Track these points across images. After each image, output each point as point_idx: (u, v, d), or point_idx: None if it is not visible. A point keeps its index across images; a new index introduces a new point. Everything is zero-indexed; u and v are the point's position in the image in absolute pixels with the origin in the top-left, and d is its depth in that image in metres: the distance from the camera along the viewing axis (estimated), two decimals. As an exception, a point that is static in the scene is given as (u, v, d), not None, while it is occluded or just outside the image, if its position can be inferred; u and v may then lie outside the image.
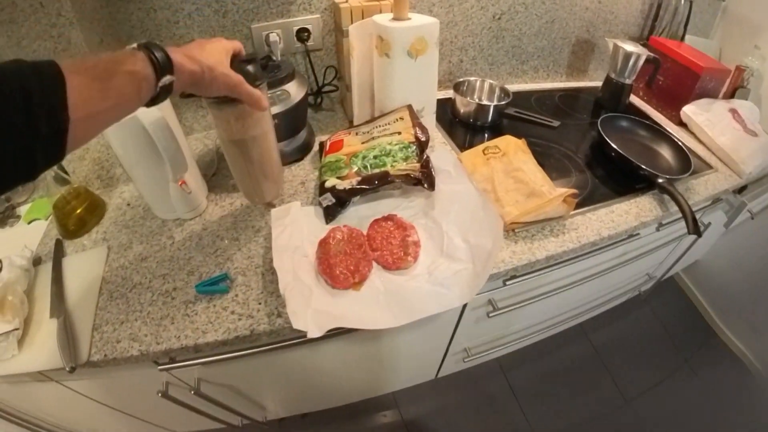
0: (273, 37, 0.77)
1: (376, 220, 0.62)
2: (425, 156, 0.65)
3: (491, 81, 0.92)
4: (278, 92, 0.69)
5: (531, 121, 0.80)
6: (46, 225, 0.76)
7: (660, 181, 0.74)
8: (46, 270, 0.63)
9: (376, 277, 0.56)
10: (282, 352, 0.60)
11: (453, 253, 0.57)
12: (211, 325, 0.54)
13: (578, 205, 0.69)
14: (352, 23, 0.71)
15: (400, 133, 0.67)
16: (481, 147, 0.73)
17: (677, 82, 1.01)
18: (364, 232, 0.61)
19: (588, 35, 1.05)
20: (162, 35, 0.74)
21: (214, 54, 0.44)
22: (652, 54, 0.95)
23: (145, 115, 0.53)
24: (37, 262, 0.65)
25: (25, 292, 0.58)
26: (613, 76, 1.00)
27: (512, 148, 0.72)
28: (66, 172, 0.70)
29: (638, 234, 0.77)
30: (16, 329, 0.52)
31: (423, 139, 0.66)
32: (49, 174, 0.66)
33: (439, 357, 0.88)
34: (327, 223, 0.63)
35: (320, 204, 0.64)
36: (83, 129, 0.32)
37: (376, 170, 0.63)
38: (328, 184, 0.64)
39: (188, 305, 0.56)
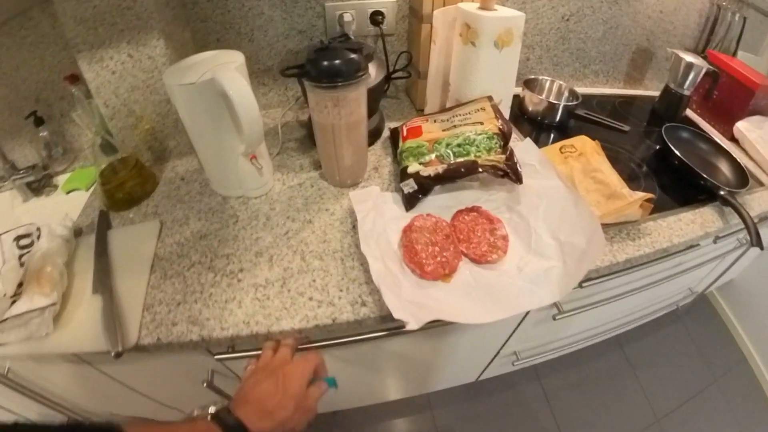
0: (347, 17, 0.75)
1: (460, 211, 0.60)
2: (509, 148, 0.63)
3: (561, 82, 0.91)
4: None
5: (600, 124, 0.79)
6: (87, 196, 0.72)
7: (722, 193, 0.73)
8: (88, 243, 0.57)
9: (465, 269, 0.53)
10: (354, 345, 0.57)
11: (542, 251, 0.55)
12: (287, 312, 0.50)
13: (650, 211, 0.68)
14: (433, 9, 0.69)
15: (482, 123, 0.65)
16: (557, 145, 0.71)
17: (732, 97, 1.01)
18: (448, 222, 0.58)
19: (647, 44, 1.04)
20: (229, 6, 0.71)
21: (293, 394, 0.41)
22: (711, 67, 0.95)
23: (231, 81, 0.50)
24: (77, 233, 0.61)
25: (65, 264, 0.53)
26: (672, 86, 0.99)
27: (588, 148, 0.71)
28: (113, 141, 0.66)
29: (698, 245, 0.76)
30: (53, 304, 0.46)
31: (507, 130, 0.64)
32: (97, 141, 0.62)
33: (488, 359, 0.86)
34: (407, 210, 0.61)
35: (401, 190, 0.61)
36: None
37: (461, 159, 0.61)
38: (410, 170, 0.61)
39: (258, 288, 0.53)
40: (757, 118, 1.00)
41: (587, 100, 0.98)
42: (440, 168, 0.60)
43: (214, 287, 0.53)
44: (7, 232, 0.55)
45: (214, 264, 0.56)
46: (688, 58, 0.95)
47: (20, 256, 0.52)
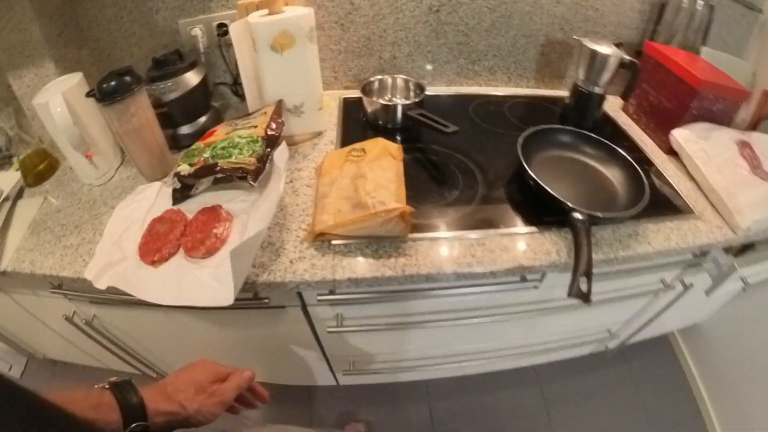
0: (195, 31, 0.84)
1: (204, 208, 0.64)
2: (267, 151, 0.64)
3: (408, 78, 0.84)
4: (169, 84, 0.75)
5: (428, 125, 0.71)
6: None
7: (576, 215, 0.59)
8: (6, 206, 0.79)
9: (176, 259, 0.59)
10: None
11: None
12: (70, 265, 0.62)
13: (433, 229, 0.60)
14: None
15: (256, 126, 0.67)
16: (348, 148, 0.69)
17: (672, 99, 0.79)
18: (189, 217, 0.63)
19: (562, 34, 0.88)
20: (112, 29, 0.86)
21: (195, 380, 0.42)
22: (628, 57, 0.76)
23: (55, 110, 0.66)
24: (6, 199, 0.83)
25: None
26: (579, 83, 0.82)
27: (378, 151, 0.66)
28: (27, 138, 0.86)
29: (520, 279, 0.63)
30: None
31: (271, 134, 0.65)
32: (17, 136, 0.83)
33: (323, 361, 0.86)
34: (173, 204, 0.68)
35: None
36: None
37: (216, 160, 0.64)
38: (179, 169, 0.67)
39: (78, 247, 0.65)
40: (704, 125, 0.76)
41: (482, 101, 0.88)
42: (193, 169, 0.65)
43: (51, 244, 0.67)
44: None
45: (55, 230, 0.71)
46: (595, 46, 0.77)
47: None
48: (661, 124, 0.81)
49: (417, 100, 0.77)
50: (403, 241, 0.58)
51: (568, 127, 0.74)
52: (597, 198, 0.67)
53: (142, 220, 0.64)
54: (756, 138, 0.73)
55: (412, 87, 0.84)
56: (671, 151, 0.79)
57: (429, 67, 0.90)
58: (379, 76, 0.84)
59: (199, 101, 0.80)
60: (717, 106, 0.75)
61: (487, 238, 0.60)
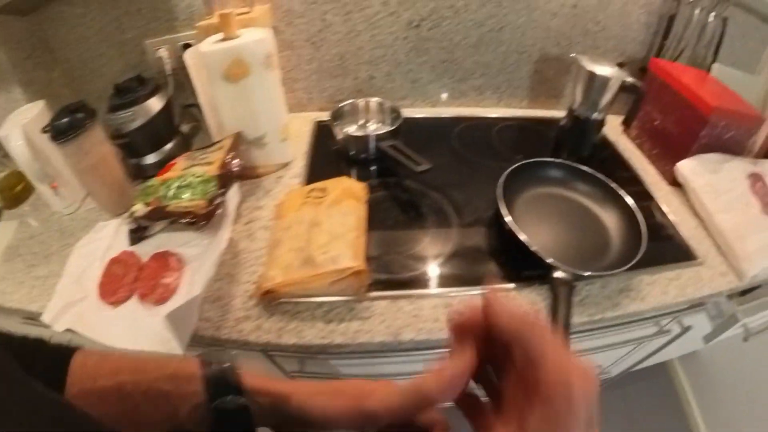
0: (161, 52, 0.79)
1: (157, 254, 0.61)
2: (219, 192, 0.60)
3: (383, 101, 0.77)
4: (129, 113, 0.71)
5: (398, 161, 0.64)
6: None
7: (558, 275, 0.51)
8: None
9: (132, 302, 0.57)
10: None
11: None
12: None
13: (395, 285, 0.54)
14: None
15: (211, 163, 0.63)
16: (309, 187, 0.63)
17: (679, 125, 0.70)
18: (144, 260, 0.60)
19: (559, 50, 0.79)
20: (81, 50, 0.83)
21: None
22: (630, 79, 0.67)
23: (15, 144, 0.65)
24: None
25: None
26: (575, 107, 0.74)
27: (339, 193, 0.60)
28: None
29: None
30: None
31: (225, 172, 0.60)
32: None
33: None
34: (130, 244, 0.64)
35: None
36: None
37: (168, 202, 0.60)
38: (133, 209, 0.64)
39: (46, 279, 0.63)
40: (711, 156, 0.67)
41: (468, 125, 0.80)
42: (146, 210, 0.61)
43: (21, 272, 0.65)
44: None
45: (27, 257, 0.69)
46: (594, 66, 0.69)
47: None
48: (665, 152, 0.72)
49: (391, 128, 0.70)
50: (359, 302, 0.53)
51: (559, 161, 0.66)
52: (587, 247, 0.60)
53: (101, 259, 0.62)
54: (769, 169, 0.64)
55: (387, 111, 0.77)
56: (676, 182, 0.70)
57: (410, 86, 0.83)
58: (351, 101, 0.78)
59: (161, 128, 0.76)
60: (728, 134, 0.66)
61: (456, 298, 0.54)
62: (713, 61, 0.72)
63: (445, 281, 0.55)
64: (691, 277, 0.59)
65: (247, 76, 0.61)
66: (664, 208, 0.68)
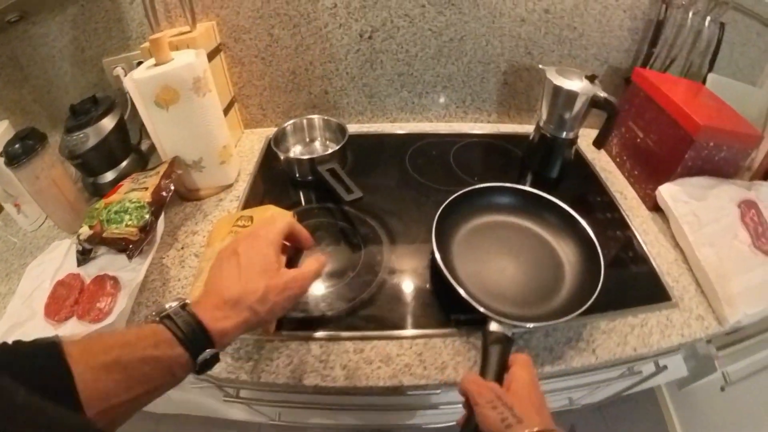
0: (118, 71, 0.79)
1: (96, 277, 0.62)
2: (151, 220, 0.58)
3: (330, 119, 0.73)
4: (81, 135, 0.72)
5: (331, 187, 0.60)
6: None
7: (493, 328, 0.44)
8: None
9: (71, 321, 0.58)
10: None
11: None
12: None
13: (309, 325, 0.51)
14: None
15: (146, 189, 0.62)
16: (238, 214, 0.61)
17: (663, 145, 0.60)
18: (87, 282, 0.62)
19: (530, 59, 0.70)
20: (47, 68, 0.84)
21: (260, 269, 0.34)
22: (602, 94, 0.58)
23: None
24: None
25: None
26: (542, 124, 0.66)
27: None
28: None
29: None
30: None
31: (157, 198, 0.60)
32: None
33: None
34: (78, 265, 0.66)
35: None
36: (108, 418, 0.27)
37: (107, 227, 0.60)
38: (80, 231, 0.65)
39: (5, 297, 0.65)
40: (697, 180, 0.58)
41: (427, 143, 0.74)
42: (89, 233, 0.61)
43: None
44: None
45: None
46: (560, 80, 0.60)
47: None
48: (647, 173, 0.63)
49: (333, 150, 0.66)
50: (270, 341, 0.50)
51: (510, 185, 0.59)
52: (535, 287, 0.53)
53: (50, 280, 0.63)
54: (764, 194, 0.54)
55: (335, 129, 0.73)
56: (657, 207, 0.61)
57: (367, 102, 0.78)
58: (293, 120, 0.74)
59: (116, 147, 0.77)
60: (719, 155, 0.56)
61: (370, 342, 0.49)
62: (709, 71, 0.61)
63: (363, 324, 0.51)
64: (659, 322, 0.52)
65: (177, 101, 0.60)
66: (640, 239, 0.60)
